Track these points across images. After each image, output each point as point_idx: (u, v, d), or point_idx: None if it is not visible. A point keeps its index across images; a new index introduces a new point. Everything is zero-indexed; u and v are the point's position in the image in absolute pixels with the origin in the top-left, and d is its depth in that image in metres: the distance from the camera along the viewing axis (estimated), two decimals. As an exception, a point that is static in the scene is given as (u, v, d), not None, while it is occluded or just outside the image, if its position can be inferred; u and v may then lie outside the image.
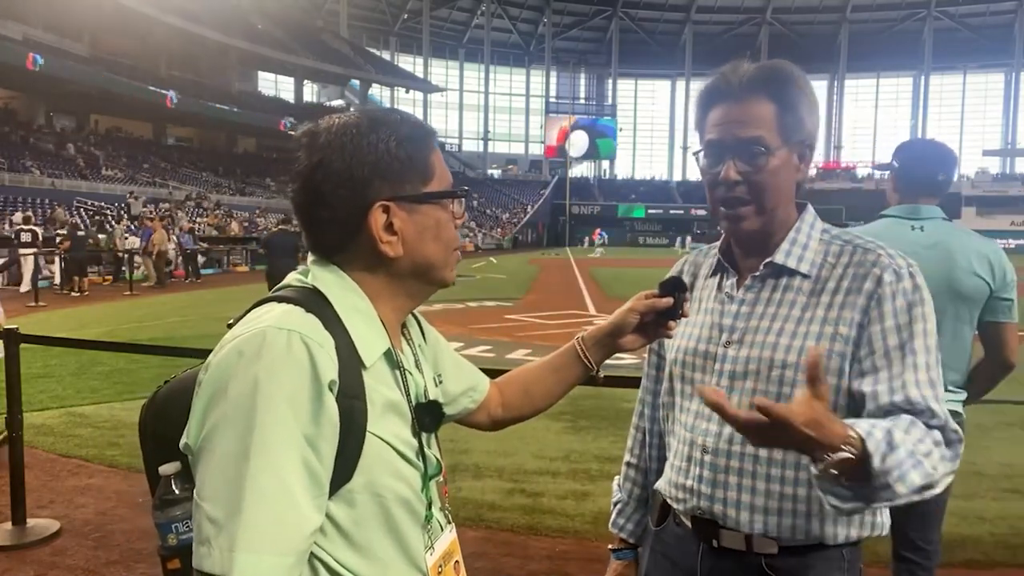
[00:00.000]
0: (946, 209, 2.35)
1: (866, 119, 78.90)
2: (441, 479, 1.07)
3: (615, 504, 1.54)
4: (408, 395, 1.01)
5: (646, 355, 1.54)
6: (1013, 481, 4.54)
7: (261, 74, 53.80)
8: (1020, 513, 4.05)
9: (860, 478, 0.97)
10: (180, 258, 21.44)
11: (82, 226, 20.62)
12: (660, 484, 1.39)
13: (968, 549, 3.59)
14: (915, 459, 0.99)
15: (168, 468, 1.01)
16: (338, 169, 0.96)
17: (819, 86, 71.99)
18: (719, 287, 1.34)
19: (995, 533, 3.80)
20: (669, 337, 1.29)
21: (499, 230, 54.07)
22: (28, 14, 32.25)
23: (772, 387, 1.20)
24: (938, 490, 1.03)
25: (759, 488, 1.20)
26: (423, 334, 1.19)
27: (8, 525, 3.69)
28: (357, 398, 0.92)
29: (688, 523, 1.30)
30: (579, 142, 73.15)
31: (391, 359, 1.00)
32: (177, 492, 1.00)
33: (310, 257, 1.03)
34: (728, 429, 1.22)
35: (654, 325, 1.27)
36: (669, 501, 1.34)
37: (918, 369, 1.13)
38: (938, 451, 1.05)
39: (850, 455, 0.94)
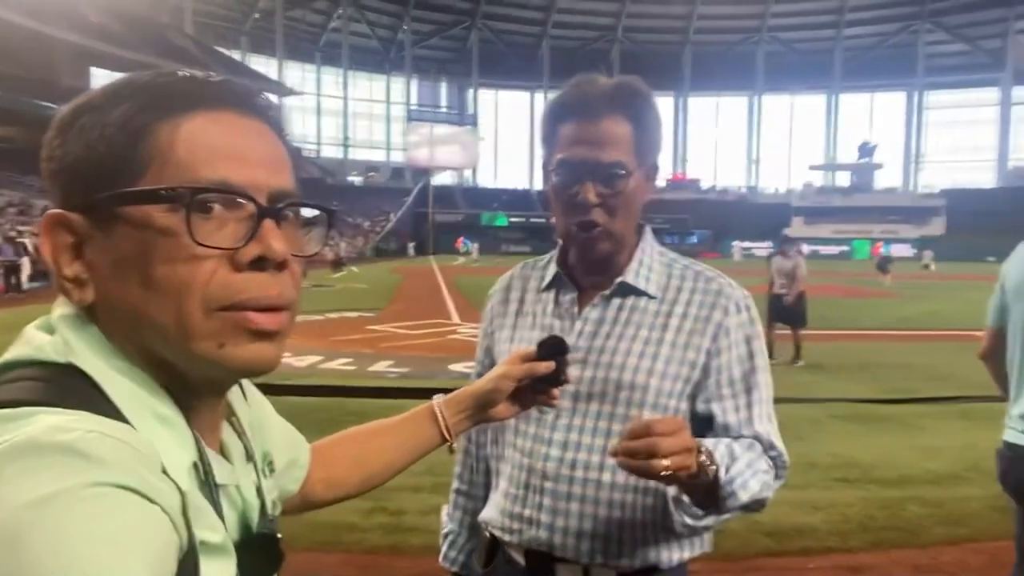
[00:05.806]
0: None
1: (709, 135, 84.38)
2: None
3: (446, 536, 1.44)
4: (225, 525, 0.61)
5: (474, 366, 1.43)
6: (842, 471, 4.95)
7: (98, 71, 49.75)
8: (848, 500, 4.41)
9: (708, 491, 1.06)
10: None
11: None
12: (488, 515, 1.31)
13: (804, 536, 3.85)
14: (753, 469, 1.11)
15: None
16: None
17: (666, 103, 76.57)
18: (556, 302, 1.29)
19: (828, 520, 4.11)
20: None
21: (361, 238, 53.00)
22: None
23: (620, 408, 1.18)
24: (764, 506, 1.14)
25: (600, 515, 1.18)
26: (244, 396, 0.78)
27: None
28: (191, 546, 0.54)
29: (521, 559, 1.24)
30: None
31: (199, 473, 0.60)
32: None
33: (58, 307, 0.61)
34: (571, 454, 1.19)
35: (530, 391, 1.07)
36: (499, 534, 1.27)
37: (762, 403, 1.22)
38: (771, 473, 1.17)
39: (712, 465, 1.03)
